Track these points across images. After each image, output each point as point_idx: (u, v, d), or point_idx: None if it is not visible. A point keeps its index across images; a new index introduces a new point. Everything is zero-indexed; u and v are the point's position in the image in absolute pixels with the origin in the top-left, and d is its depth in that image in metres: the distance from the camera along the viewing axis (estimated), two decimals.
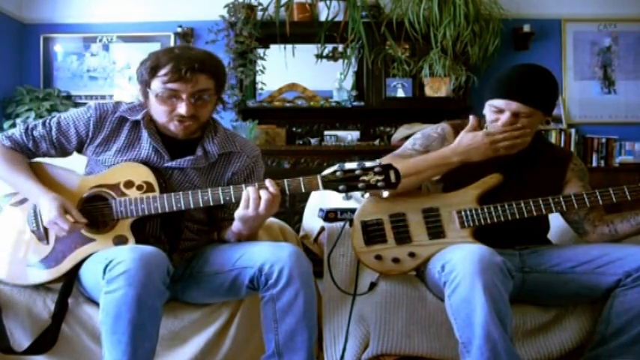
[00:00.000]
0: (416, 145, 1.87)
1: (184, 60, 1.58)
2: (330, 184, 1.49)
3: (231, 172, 1.74)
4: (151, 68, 1.60)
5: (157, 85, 1.59)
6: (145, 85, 1.62)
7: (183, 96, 1.58)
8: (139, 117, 1.67)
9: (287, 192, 1.54)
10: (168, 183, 1.66)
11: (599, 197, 1.69)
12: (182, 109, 1.59)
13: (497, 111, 1.73)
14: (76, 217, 1.55)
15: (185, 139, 1.67)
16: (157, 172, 1.64)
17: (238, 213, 1.56)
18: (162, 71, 1.58)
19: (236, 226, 1.63)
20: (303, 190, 1.53)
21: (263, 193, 1.52)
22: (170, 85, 1.58)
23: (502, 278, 1.50)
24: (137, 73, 1.65)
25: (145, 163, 1.65)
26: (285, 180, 1.53)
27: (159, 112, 1.62)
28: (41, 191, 1.59)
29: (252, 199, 1.52)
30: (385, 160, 1.74)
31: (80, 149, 1.73)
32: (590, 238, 1.83)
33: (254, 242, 1.67)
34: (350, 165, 1.48)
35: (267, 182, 1.54)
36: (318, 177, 1.50)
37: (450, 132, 1.86)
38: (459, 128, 1.83)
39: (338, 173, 1.49)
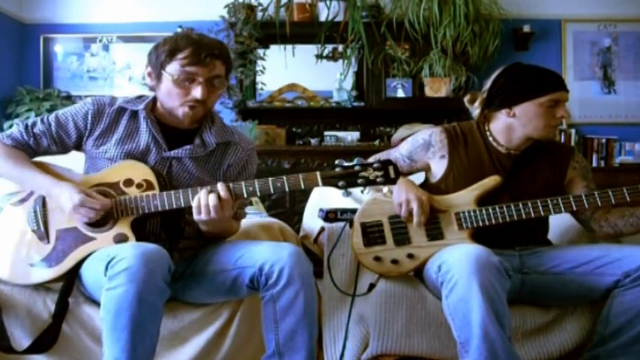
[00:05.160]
0: (402, 150, 1.90)
1: (204, 45, 1.61)
2: (329, 180, 1.50)
3: (227, 164, 1.75)
4: (169, 51, 1.62)
5: (174, 67, 1.61)
6: (160, 67, 1.63)
7: (200, 79, 1.61)
8: (139, 107, 1.69)
9: (245, 195, 1.54)
10: (167, 173, 1.66)
11: (597, 199, 1.69)
12: (198, 92, 1.60)
13: (552, 105, 1.74)
14: (98, 197, 1.56)
15: (188, 127, 1.68)
16: (156, 171, 1.64)
17: (194, 217, 1.56)
18: (182, 54, 1.60)
19: (201, 227, 1.63)
20: (303, 187, 1.52)
21: (211, 199, 1.52)
22: (188, 69, 1.59)
23: (499, 277, 1.50)
24: (150, 56, 1.67)
25: (144, 152, 1.66)
26: (285, 176, 1.53)
27: (172, 95, 1.63)
28: (52, 182, 1.60)
29: (203, 206, 1.52)
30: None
31: (79, 144, 1.73)
32: (597, 237, 1.84)
33: (255, 242, 1.67)
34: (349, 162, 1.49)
35: (219, 185, 1.54)
36: (317, 173, 1.50)
37: (439, 137, 1.85)
38: (453, 132, 1.85)
39: (337, 169, 1.49)
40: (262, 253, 1.55)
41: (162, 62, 1.62)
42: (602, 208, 1.77)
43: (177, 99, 1.63)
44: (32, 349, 1.57)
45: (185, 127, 1.69)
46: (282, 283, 1.50)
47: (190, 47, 1.60)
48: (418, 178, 1.93)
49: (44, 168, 1.68)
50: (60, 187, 1.58)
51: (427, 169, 1.88)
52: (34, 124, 1.70)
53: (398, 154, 1.89)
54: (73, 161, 1.77)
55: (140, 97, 1.74)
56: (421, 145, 1.87)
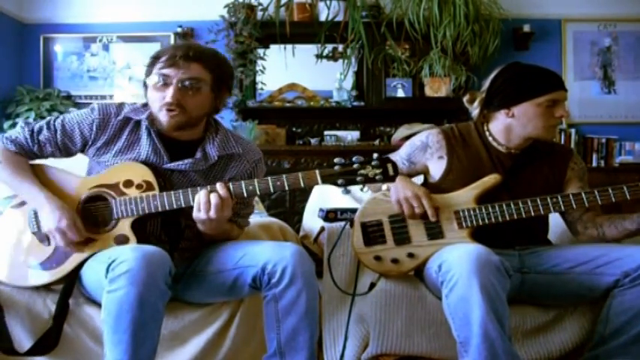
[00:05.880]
0: (402, 153, 1.91)
1: (182, 48, 1.62)
2: (328, 178, 1.50)
3: (228, 177, 1.72)
4: (152, 59, 1.64)
5: (154, 73, 1.62)
6: (147, 75, 1.65)
7: (173, 81, 1.59)
8: (142, 117, 1.67)
9: (245, 194, 1.54)
10: (168, 183, 1.66)
11: (597, 197, 1.68)
12: (168, 94, 1.59)
13: (551, 105, 1.74)
14: (81, 229, 1.57)
15: (172, 129, 1.63)
16: (157, 172, 1.64)
17: (193, 215, 1.56)
18: (160, 60, 1.61)
19: (199, 227, 1.63)
20: (302, 185, 1.52)
21: (212, 197, 1.52)
22: (163, 71, 1.60)
23: (499, 277, 1.50)
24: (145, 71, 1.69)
25: (145, 163, 1.65)
26: (284, 175, 1.53)
27: (153, 100, 1.63)
28: (47, 198, 1.59)
29: (203, 203, 1.53)
30: None
31: (84, 150, 1.73)
32: (580, 239, 1.84)
33: (257, 241, 1.68)
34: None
35: (218, 185, 1.54)
36: (317, 172, 1.51)
37: (435, 139, 1.85)
38: (450, 133, 1.85)
39: (336, 167, 1.49)
40: (265, 253, 1.55)
41: (147, 72, 1.64)
42: (592, 210, 1.79)
43: (156, 104, 1.62)
44: (34, 351, 1.57)
45: (170, 133, 1.65)
46: (285, 283, 1.50)
47: (169, 52, 1.61)
48: (418, 180, 1.94)
49: (42, 173, 1.69)
50: (51, 206, 1.57)
51: (426, 171, 1.88)
52: (40, 130, 1.68)
53: (398, 157, 1.89)
54: (73, 163, 1.77)
55: (146, 105, 1.71)
56: (419, 147, 1.87)
